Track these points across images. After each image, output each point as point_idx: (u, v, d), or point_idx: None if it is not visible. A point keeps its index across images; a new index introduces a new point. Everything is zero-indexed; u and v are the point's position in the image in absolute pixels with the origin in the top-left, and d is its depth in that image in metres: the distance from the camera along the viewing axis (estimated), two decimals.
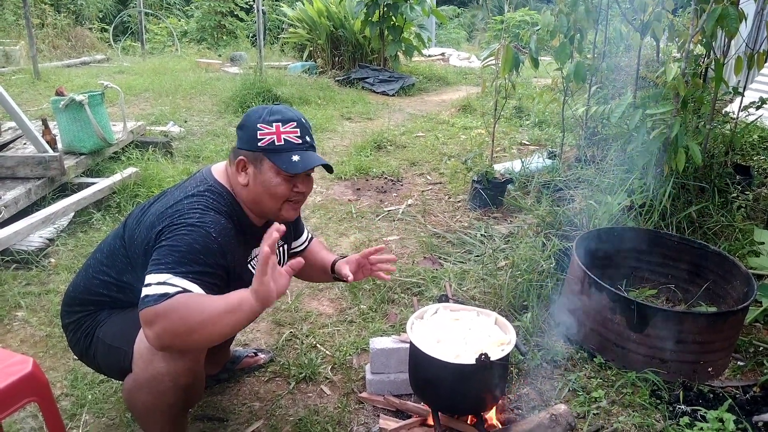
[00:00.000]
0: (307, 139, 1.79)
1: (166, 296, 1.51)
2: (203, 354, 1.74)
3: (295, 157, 1.74)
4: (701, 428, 2.12)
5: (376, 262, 2.14)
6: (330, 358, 2.63)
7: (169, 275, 1.55)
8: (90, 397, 2.30)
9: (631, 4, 3.91)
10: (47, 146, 4.20)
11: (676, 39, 3.88)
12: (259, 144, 1.73)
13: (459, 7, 20.96)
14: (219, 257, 1.66)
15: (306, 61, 10.71)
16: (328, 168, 1.86)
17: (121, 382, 1.79)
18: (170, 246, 1.60)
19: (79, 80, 8.43)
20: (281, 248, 2.09)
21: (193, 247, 1.60)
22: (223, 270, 1.69)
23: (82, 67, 10.46)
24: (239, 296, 1.54)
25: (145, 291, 1.54)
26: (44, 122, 4.46)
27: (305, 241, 2.28)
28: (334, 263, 2.20)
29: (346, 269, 2.08)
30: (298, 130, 1.77)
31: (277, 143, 1.73)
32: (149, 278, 1.56)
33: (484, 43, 14.50)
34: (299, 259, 1.58)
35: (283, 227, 1.53)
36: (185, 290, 1.54)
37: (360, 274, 2.16)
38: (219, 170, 1.86)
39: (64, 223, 3.77)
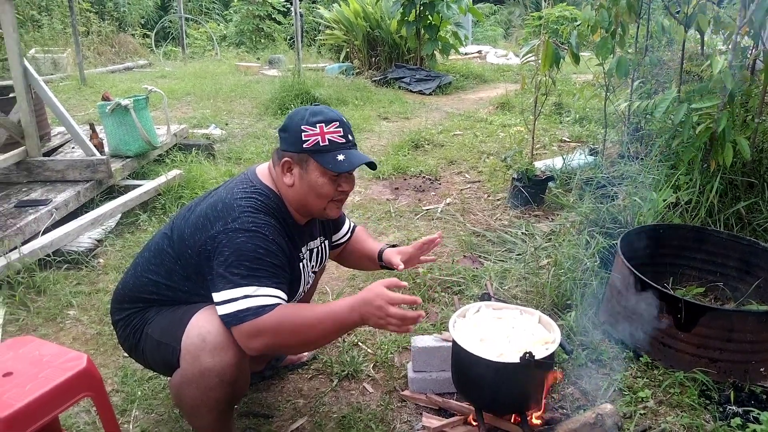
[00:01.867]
0: (350, 137, 1.83)
1: (265, 308, 1.62)
2: None
3: (341, 156, 1.78)
4: (754, 430, 2.06)
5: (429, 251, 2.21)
6: (372, 356, 2.65)
7: (253, 287, 1.64)
8: (140, 393, 2.36)
9: None
10: (95, 150, 4.33)
11: (722, 31, 3.76)
12: (304, 146, 1.76)
13: (495, 4, 20.78)
14: (281, 256, 1.75)
15: (343, 62, 10.76)
16: (371, 165, 1.87)
17: (168, 378, 1.84)
18: (237, 256, 1.66)
19: (124, 85, 8.65)
20: (322, 245, 2.12)
21: (258, 252, 1.68)
22: (287, 267, 1.79)
23: (126, 72, 10.73)
24: (345, 313, 1.67)
25: (233, 306, 1.62)
26: (91, 126, 4.60)
27: (347, 232, 2.31)
28: (381, 252, 2.22)
29: (396, 258, 2.11)
30: (341, 129, 1.80)
31: (322, 144, 1.77)
32: (231, 293, 1.63)
33: (521, 40, 14.35)
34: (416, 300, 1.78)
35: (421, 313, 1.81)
36: (278, 297, 1.65)
37: (409, 263, 2.19)
38: (263, 172, 1.90)
39: (111, 224, 3.88)
